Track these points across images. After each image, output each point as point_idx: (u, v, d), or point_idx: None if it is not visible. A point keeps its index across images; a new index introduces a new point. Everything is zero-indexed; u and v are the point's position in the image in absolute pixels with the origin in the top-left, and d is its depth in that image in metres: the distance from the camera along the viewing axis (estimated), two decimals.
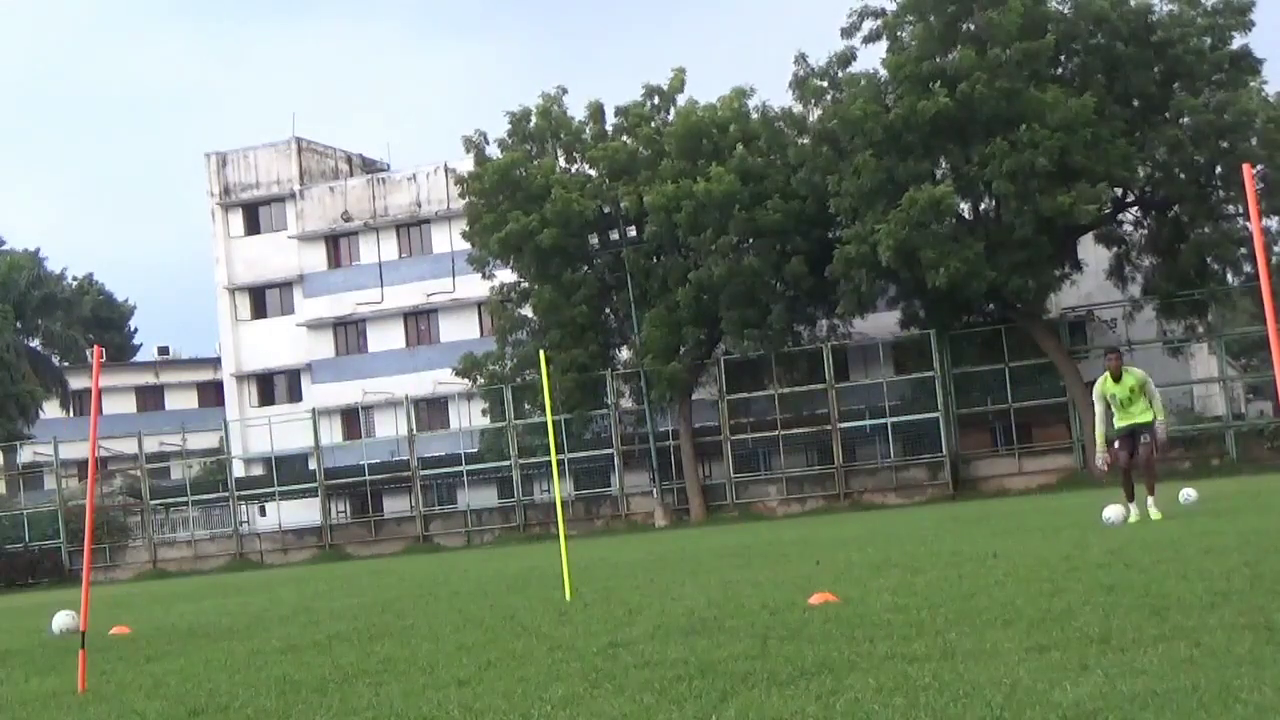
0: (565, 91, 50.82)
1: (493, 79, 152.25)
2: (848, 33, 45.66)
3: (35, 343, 74.63)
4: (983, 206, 45.51)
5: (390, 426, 57.52)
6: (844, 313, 46.57)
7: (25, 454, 65.69)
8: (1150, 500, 15.80)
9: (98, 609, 17.12)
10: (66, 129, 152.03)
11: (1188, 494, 19.53)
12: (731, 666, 6.06)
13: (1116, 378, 15.80)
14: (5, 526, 58.47)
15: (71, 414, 73.87)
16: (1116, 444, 15.97)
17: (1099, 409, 16.05)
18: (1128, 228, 47.36)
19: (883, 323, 49.15)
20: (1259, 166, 40.27)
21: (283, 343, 63.33)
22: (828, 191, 44.10)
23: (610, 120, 50.95)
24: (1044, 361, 46.62)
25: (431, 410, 58.73)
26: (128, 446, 60.42)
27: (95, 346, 9.08)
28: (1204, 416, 48.16)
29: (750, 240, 46.37)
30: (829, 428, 48.44)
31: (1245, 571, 8.15)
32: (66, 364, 75.82)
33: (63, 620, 13.66)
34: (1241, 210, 43.83)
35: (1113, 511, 15.28)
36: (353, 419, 61.42)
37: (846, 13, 45.38)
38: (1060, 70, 44.87)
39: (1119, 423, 15.87)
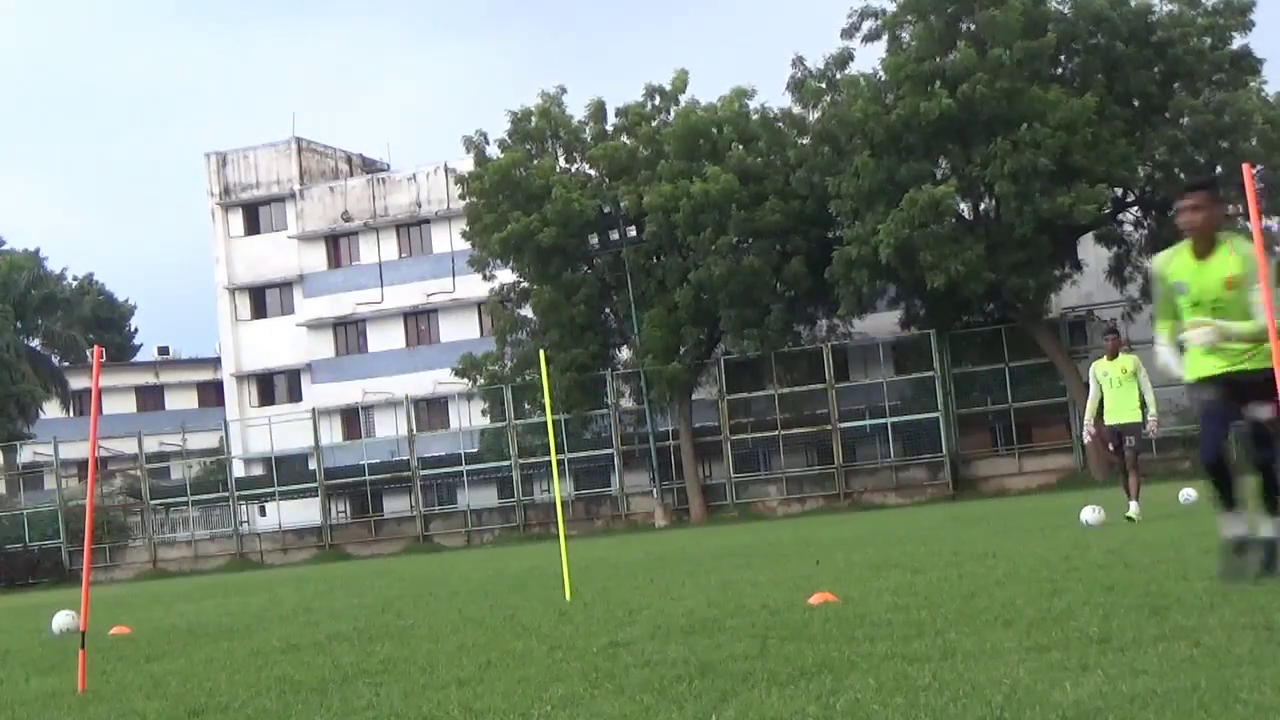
0: (564, 91, 50.91)
1: (493, 79, 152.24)
2: (847, 33, 45.71)
3: (35, 343, 74.63)
4: (983, 207, 45.53)
5: (390, 426, 57.53)
6: (844, 313, 46.60)
7: (25, 454, 65.69)
8: (1134, 504, 15.82)
9: (98, 609, 17.13)
10: (66, 129, 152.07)
11: (1188, 494, 19.51)
12: (731, 666, 6.06)
13: (1113, 356, 16.06)
14: (5, 526, 58.50)
15: (71, 414, 73.87)
16: (1110, 446, 16.18)
17: (1092, 387, 16.29)
18: (1128, 228, 47.37)
19: (883, 323, 49.16)
20: (1259, 166, 40.29)
21: (283, 343, 63.35)
22: (827, 192, 44.13)
23: (611, 120, 50.98)
24: (1044, 361, 46.63)
25: (431, 410, 58.74)
26: (128, 446, 60.45)
27: (95, 346, 9.08)
28: None
29: (750, 240, 46.39)
30: (829, 428, 48.44)
31: None
32: (66, 364, 75.84)
33: (63, 620, 13.66)
34: (1241, 210, 43.82)
35: (1090, 513, 15.30)
36: (353, 419, 61.44)
37: (846, 13, 45.47)
38: (1060, 70, 44.90)
39: (1108, 414, 16.00)
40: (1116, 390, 15.99)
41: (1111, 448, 16.23)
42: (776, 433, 49.56)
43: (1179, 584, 7.80)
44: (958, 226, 43.96)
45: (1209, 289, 7.57)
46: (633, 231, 48.41)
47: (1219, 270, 7.55)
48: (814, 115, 46.70)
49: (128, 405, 77.06)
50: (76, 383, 73.23)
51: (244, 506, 57.42)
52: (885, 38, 45.01)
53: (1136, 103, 44.07)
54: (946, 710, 4.62)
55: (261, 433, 59.28)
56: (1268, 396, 7.38)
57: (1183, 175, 43.85)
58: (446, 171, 59.64)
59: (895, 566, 11.73)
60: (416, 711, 5.72)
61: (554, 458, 12.63)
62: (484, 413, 54.52)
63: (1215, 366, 7.73)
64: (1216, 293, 7.53)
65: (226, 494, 56.85)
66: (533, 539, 47.55)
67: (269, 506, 58.09)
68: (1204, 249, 7.62)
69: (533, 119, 50.49)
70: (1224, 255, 7.57)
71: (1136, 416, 15.90)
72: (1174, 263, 7.76)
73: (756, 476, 50.99)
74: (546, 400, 12.68)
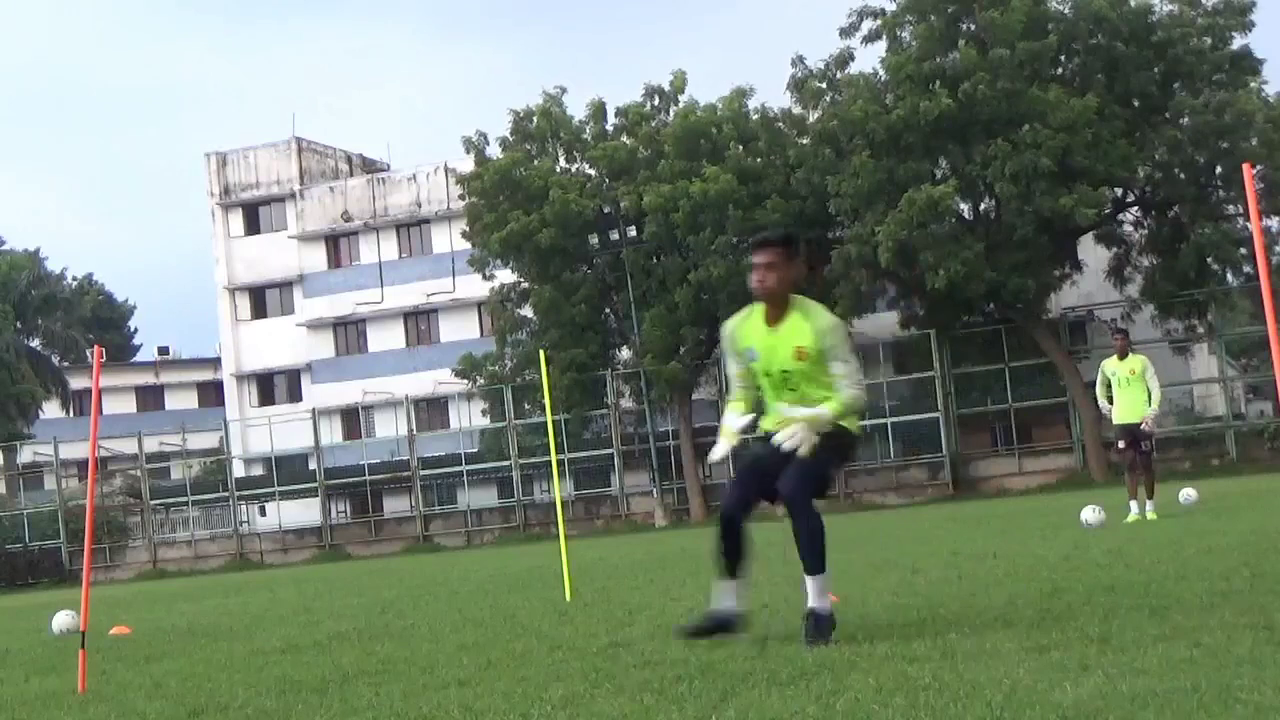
0: (565, 91, 50.95)
1: (493, 79, 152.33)
2: (846, 33, 45.71)
3: (35, 343, 74.63)
4: (983, 207, 45.54)
5: (390, 426, 57.53)
6: (843, 312, 46.54)
7: (25, 454, 65.72)
8: (1149, 503, 16.03)
9: (98, 609, 17.13)
10: (67, 129, 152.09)
11: (1188, 494, 19.54)
12: (731, 666, 6.06)
13: (1122, 356, 16.30)
14: (5, 526, 58.49)
15: (71, 414, 73.90)
16: (1120, 444, 16.41)
17: (1099, 381, 16.70)
18: (1128, 228, 47.37)
19: (883, 323, 49.15)
20: (1259, 166, 40.28)
21: (283, 343, 63.36)
22: (827, 192, 44.13)
23: (611, 120, 51.00)
24: (1044, 361, 46.63)
25: (431, 410, 58.74)
26: (128, 446, 60.44)
27: (95, 346, 9.08)
28: (1204, 416, 48.16)
29: (750, 240, 46.33)
30: None
31: (1245, 571, 8.16)
32: (66, 364, 75.82)
33: (63, 620, 13.67)
34: (1241, 210, 43.84)
35: (1090, 513, 15.37)
36: (353, 419, 61.44)
37: (846, 13, 45.48)
38: (1060, 70, 44.90)
39: (1118, 413, 16.22)
40: (1124, 390, 16.16)
41: (1122, 445, 16.40)
42: None
43: (1179, 584, 7.80)
44: (957, 226, 43.95)
45: (779, 359, 6.81)
46: (632, 232, 48.42)
47: (790, 338, 6.81)
48: (814, 115, 46.69)
49: (128, 405, 77.08)
50: (76, 383, 73.24)
51: (244, 506, 57.41)
52: (885, 38, 45.01)
53: (1136, 103, 44.05)
54: (946, 710, 4.62)
55: (261, 433, 59.28)
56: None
57: (1182, 175, 43.90)
58: (446, 171, 59.63)
59: (895, 566, 11.73)
60: (416, 711, 5.72)
61: (554, 458, 12.62)
62: (484, 413, 54.52)
63: (776, 423, 6.95)
64: (786, 363, 6.80)
65: (226, 494, 56.85)
66: (533, 539, 47.54)
67: (269, 506, 58.09)
68: (776, 314, 6.89)
69: (534, 119, 50.50)
70: (796, 322, 6.84)
71: (1145, 413, 16.07)
72: (744, 327, 6.99)
73: None
74: (546, 400, 12.66)
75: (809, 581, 6.78)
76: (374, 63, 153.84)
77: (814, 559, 6.77)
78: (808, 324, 6.80)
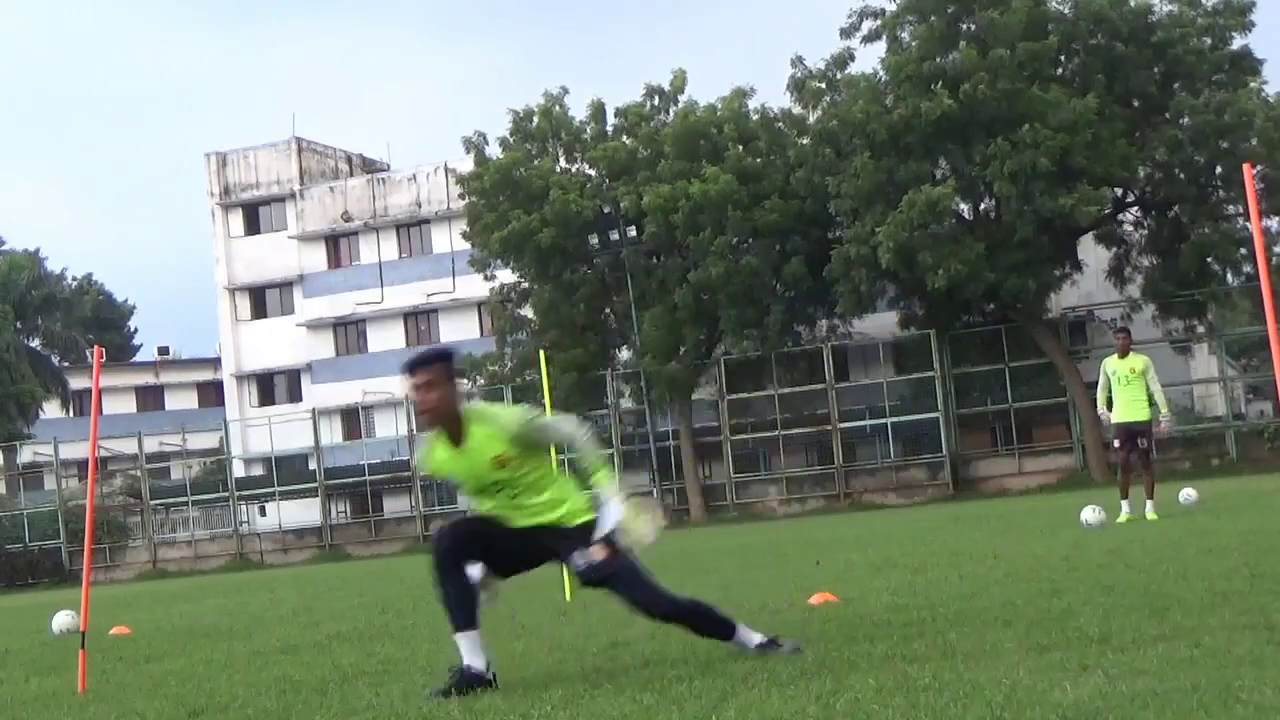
0: (567, 91, 50.93)
1: (493, 79, 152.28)
2: (846, 33, 45.72)
3: (35, 343, 74.62)
4: (983, 207, 45.54)
5: (390, 426, 57.53)
6: (843, 313, 46.61)
7: (25, 454, 65.71)
8: (1149, 504, 16.00)
9: (98, 609, 17.12)
10: (67, 129, 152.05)
11: (1188, 494, 19.54)
12: (731, 666, 6.06)
13: (1123, 354, 16.32)
14: (5, 526, 58.48)
15: (71, 414, 73.89)
16: (1116, 442, 16.43)
17: (1100, 382, 16.66)
18: (1128, 228, 47.38)
19: (883, 323, 49.15)
20: (1259, 166, 40.27)
21: (283, 343, 63.35)
22: (827, 192, 44.14)
23: (610, 120, 51.00)
24: (1044, 361, 46.64)
25: None
26: (128, 446, 60.43)
27: (95, 346, 9.08)
28: (1204, 416, 48.16)
29: (749, 240, 46.39)
30: (829, 428, 48.44)
31: (1245, 571, 8.16)
32: (66, 364, 75.83)
33: (63, 620, 13.68)
34: (1241, 210, 43.84)
35: (1090, 513, 15.34)
36: (353, 419, 61.43)
37: (846, 13, 45.49)
38: (1060, 70, 44.90)
39: (1117, 411, 16.24)
40: (1125, 388, 16.18)
41: (1117, 443, 16.47)
42: (776, 433, 49.55)
43: (1179, 584, 7.80)
44: (957, 227, 43.95)
45: (481, 474, 6.34)
46: (632, 232, 48.40)
47: (482, 451, 6.30)
48: (814, 115, 46.70)
49: (128, 405, 77.07)
50: (76, 383, 73.22)
51: (244, 506, 57.42)
52: (885, 38, 45.01)
53: (1136, 103, 44.06)
54: (946, 710, 4.62)
55: (261, 433, 59.28)
56: (585, 543, 6.39)
57: (1182, 175, 43.89)
58: (446, 171, 59.61)
59: (895, 566, 11.74)
60: (416, 711, 5.73)
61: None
62: None
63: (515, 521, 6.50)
64: (490, 475, 6.33)
65: (226, 494, 56.85)
66: None
67: (269, 506, 58.09)
68: (455, 432, 6.34)
69: (534, 119, 50.49)
70: (481, 432, 6.30)
71: (1145, 415, 16.10)
72: (433, 458, 6.48)
73: (756, 477, 50.96)
74: (546, 400, 12.63)
75: (732, 644, 6.43)
76: (374, 63, 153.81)
77: (721, 628, 6.45)
78: (493, 428, 6.25)
